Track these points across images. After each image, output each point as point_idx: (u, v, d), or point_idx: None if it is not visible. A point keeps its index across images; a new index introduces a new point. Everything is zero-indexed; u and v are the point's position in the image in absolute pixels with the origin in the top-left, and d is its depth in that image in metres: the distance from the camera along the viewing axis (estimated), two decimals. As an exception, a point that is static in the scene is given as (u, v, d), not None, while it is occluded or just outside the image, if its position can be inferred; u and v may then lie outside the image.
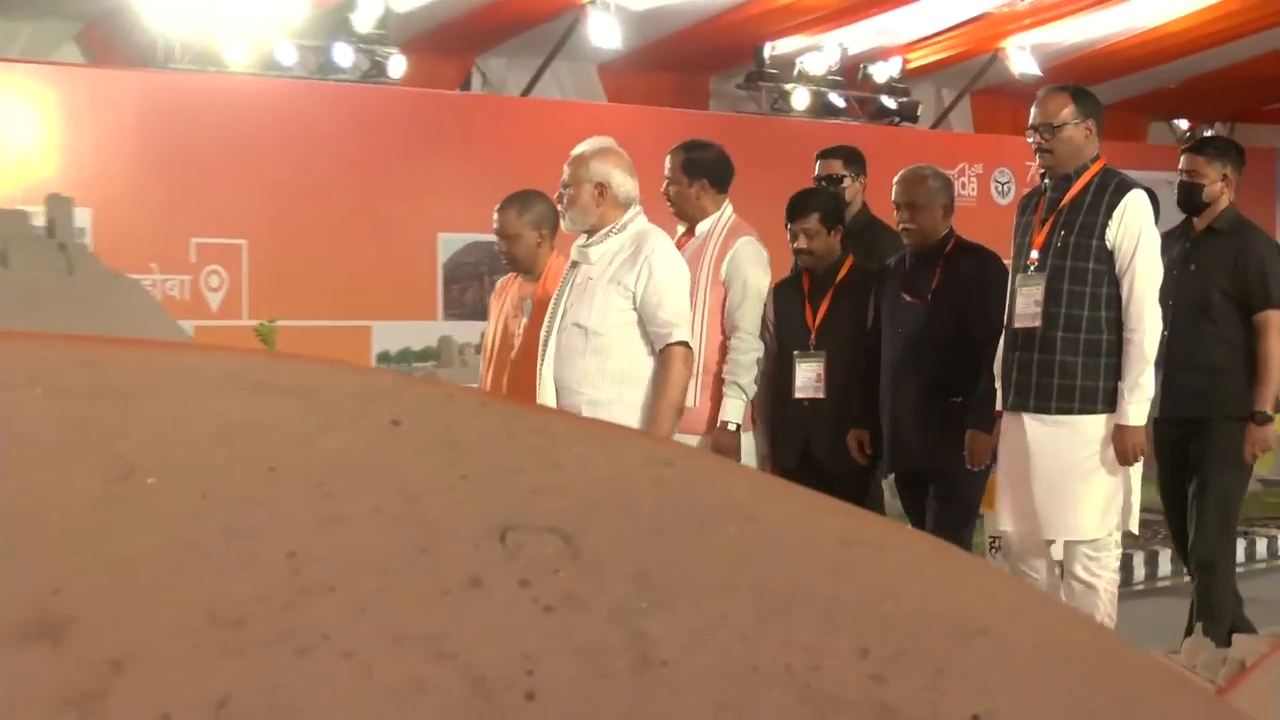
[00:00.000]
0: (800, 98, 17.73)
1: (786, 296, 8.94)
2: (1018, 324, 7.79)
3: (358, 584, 1.75)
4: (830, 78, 17.87)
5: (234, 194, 13.54)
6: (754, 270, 8.73)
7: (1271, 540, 12.02)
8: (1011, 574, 7.17)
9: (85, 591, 1.68)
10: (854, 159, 9.98)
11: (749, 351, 8.62)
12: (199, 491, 1.81)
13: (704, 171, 8.86)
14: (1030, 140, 7.87)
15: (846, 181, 9.76)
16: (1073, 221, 7.67)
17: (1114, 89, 20.06)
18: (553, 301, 8.10)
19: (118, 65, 15.01)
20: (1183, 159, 8.73)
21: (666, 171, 8.86)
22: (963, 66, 18.89)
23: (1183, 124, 21.58)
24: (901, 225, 8.64)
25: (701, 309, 8.54)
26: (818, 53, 17.76)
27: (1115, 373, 7.50)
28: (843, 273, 8.90)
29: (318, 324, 13.65)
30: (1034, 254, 7.78)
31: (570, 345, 7.87)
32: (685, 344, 7.88)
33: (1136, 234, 7.61)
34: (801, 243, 8.81)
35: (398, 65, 15.62)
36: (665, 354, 7.83)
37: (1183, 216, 8.79)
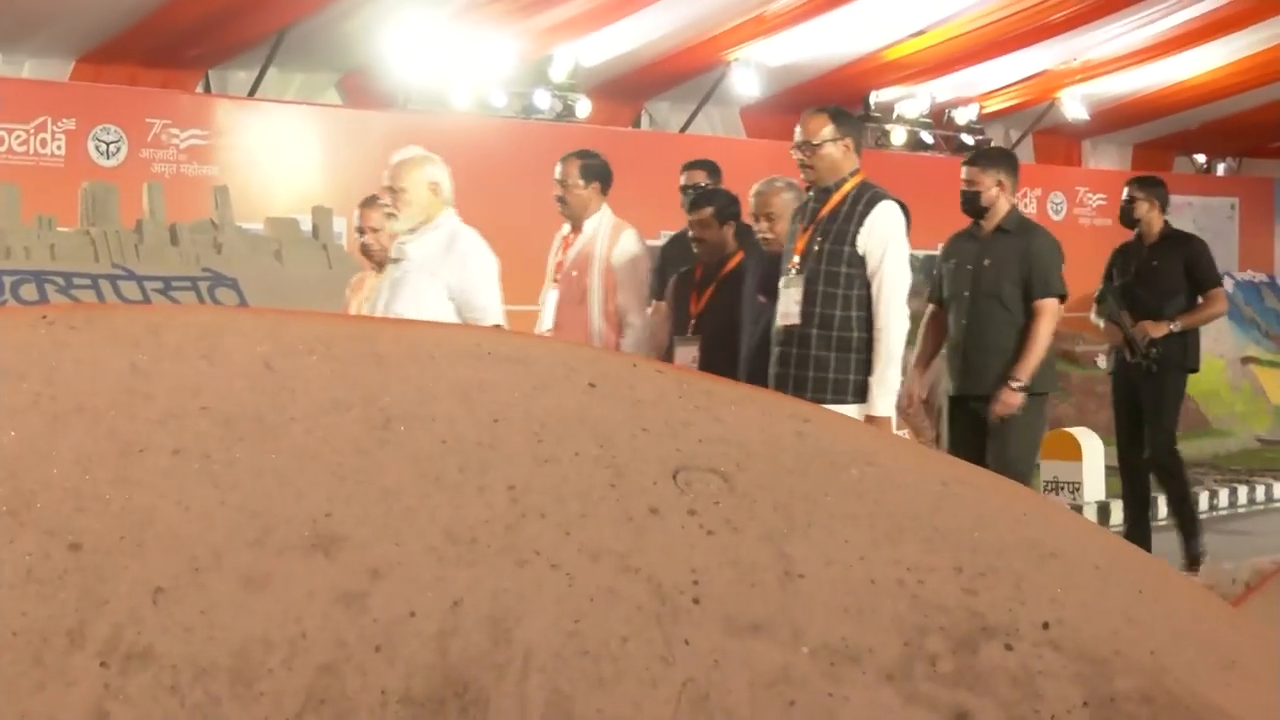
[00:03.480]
0: (898, 135, 17.56)
1: (681, 284, 8.22)
2: (780, 321, 7.09)
3: (563, 511, 1.75)
4: (922, 120, 17.67)
5: (459, 207, 13.57)
6: (642, 258, 8.15)
7: (1269, 487, 11.67)
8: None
9: (351, 514, 1.68)
10: (714, 171, 9.22)
11: (644, 329, 8.12)
12: (440, 438, 1.81)
13: (597, 175, 8.19)
14: (794, 156, 7.05)
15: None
16: (829, 229, 6.93)
17: (1145, 130, 19.78)
18: (371, 298, 7.34)
19: (368, 107, 15.08)
20: (962, 170, 7.83)
21: (559, 176, 8.14)
22: (1027, 112, 18.65)
23: (1200, 158, 21.20)
24: (760, 234, 7.68)
25: (598, 293, 7.98)
26: (912, 100, 17.57)
27: (865, 368, 6.86)
28: (729, 266, 8.04)
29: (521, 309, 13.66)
30: (795, 259, 7.05)
31: None
32: (499, 328, 7.11)
33: (885, 241, 6.88)
34: (695, 231, 8.02)
35: (584, 107, 15.58)
36: None
37: (970, 224, 7.95)
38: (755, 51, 15.87)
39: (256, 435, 1.76)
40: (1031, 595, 1.81)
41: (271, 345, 1.89)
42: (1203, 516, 10.50)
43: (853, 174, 6.98)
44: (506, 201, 12.59)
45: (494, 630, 1.56)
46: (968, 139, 17.84)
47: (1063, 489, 10.57)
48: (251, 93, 14.47)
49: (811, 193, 7.09)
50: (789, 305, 7.01)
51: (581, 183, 8.06)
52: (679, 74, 16.30)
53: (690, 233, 8.11)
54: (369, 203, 7.79)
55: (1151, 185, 9.60)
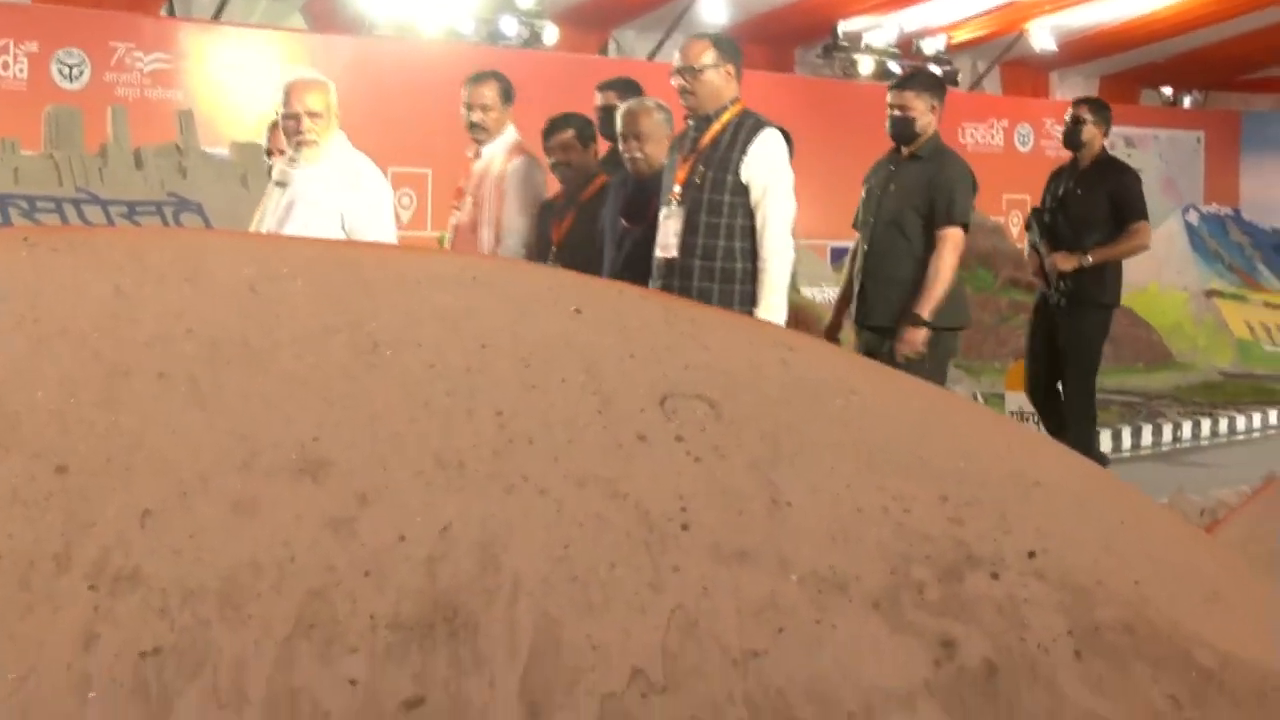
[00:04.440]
0: (866, 65, 17.58)
1: (542, 214, 7.74)
2: (659, 253, 6.72)
3: (551, 438, 1.74)
4: (890, 50, 17.68)
5: (422, 134, 13.47)
6: (532, 178, 7.63)
7: (1231, 420, 11.59)
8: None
9: (339, 439, 1.68)
10: (629, 88, 9.02)
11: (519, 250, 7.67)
12: (428, 363, 1.80)
13: (511, 97, 7.76)
14: (674, 83, 6.65)
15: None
16: (711, 158, 6.59)
17: (1113, 62, 19.80)
18: (259, 222, 6.87)
19: (334, 32, 14.97)
20: (891, 95, 7.33)
21: (478, 100, 7.55)
22: (995, 42, 18.66)
23: (1168, 91, 21.23)
24: (628, 155, 7.17)
25: (490, 218, 7.53)
26: (880, 30, 17.56)
27: (750, 299, 6.64)
28: (590, 190, 7.57)
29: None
30: (676, 189, 6.69)
31: None
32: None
33: (769, 169, 6.58)
34: (558, 155, 7.53)
35: (551, 34, 15.52)
36: None
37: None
38: (723, -22, 15.85)
39: (242, 359, 1.75)
40: (1016, 525, 1.81)
41: (256, 269, 1.87)
42: (1165, 449, 10.41)
43: (733, 102, 6.68)
44: (472, 128, 12.37)
45: (483, 556, 1.56)
46: (935, 69, 17.82)
47: (1028, 419, 10.57)
48: (216, 16, 14.36)
49: (691, 121, 6.75)
50: (668, 237, 6.68)
51: (499, 104, 7.82)
52: (646, 2, 16.24)
53: (550, 159, 7.62)
54: (278, 125, 7.56)
55: (1099, 108, 9.15)
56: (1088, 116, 8.76)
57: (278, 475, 1.61)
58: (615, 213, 7.28)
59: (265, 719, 1.39)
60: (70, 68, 13.11)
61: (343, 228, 6.52)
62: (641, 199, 7.18)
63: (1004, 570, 1.71)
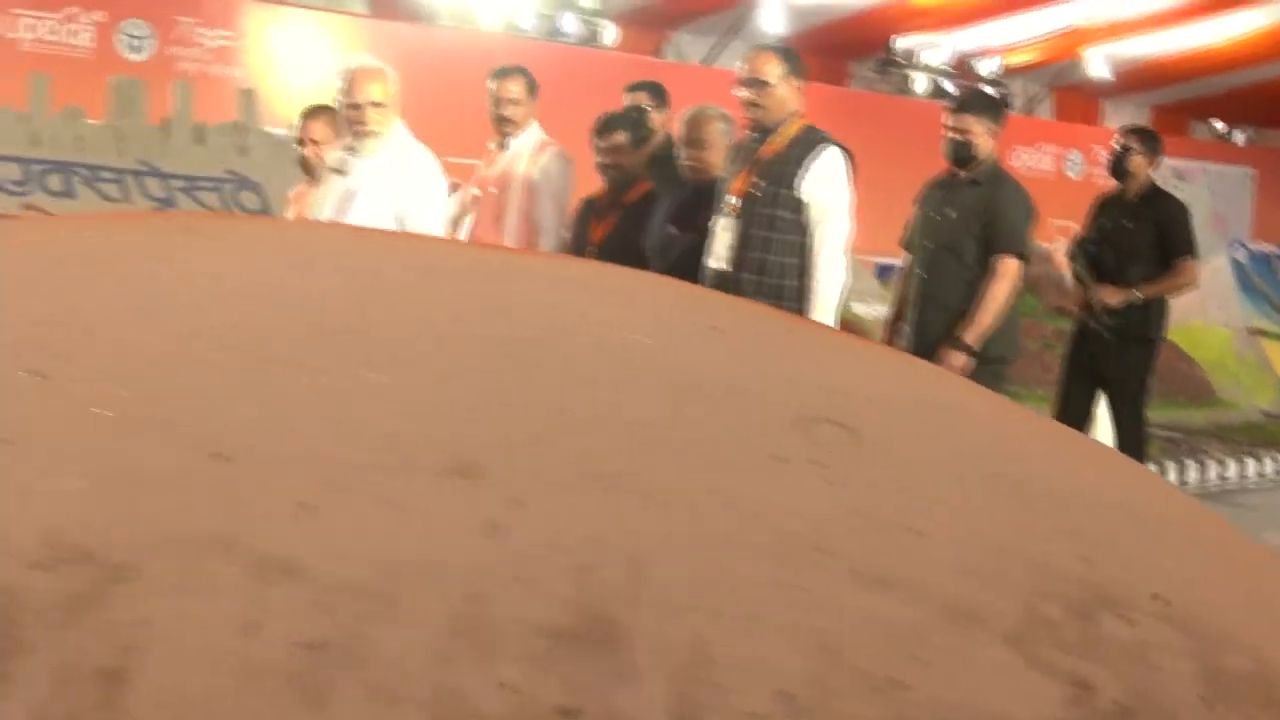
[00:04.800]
0: (920, 83, 17.62)
1: (582, 211, 7.96)
2: (711, 264, 6.79)
3: (694, 455, 1.76)
4: (944, 69, 17.71)
5: (478, 126, 13.50)
6: (564, 173, 7.91)
7: (1276, 460, 11.51)
8: None
9: (487, 444, 1.70)
10: (657, 92, 9.05)
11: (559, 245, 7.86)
12: (570, 372, 1.82)
13: (535, 91, 8.03)
14: (738, 94, 6.79)
15: (651, 112, 8.82)
16: (771, 172, 6.68)
17: (1166, 93, 19.79)
18: (310, 210, 7.07)
19: (395, 19, 15.03)
20: (950, 117, 7.42)
21: (505, 94, 7.88)
22: (1049, 68, 18.66)
23: (1219, 125, 21.18)
24: (685, 161, 7.39)
25: (516, 212, 7.79)
26: (936, 49, 17.58)
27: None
28: (634, 193, 7.77)
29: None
30: (732, 200, 6.77)
31: None
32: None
33: (829, 188, 6.64)
34: (608, 158, 7.72)
35: (610, 34, 15.57)
36: None
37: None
38: (783, -12, 15.89)
39: (391, 358, 1.77)
40: (1142, 565, 1.83)
41: (400, 268, 1.90)
42: (1211, 488, 10.38)
43: (796, 116, 6.80)
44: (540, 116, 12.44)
45: (632, 568, 1.58)
46: (989, 91, 17.84)
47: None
48: (281, -3, 14.44)
49: (753, 133, 6.87)
50: (721, 248, 6.78)
51: (527, 98, 7.94)
52: (705, 7, 16.32)
53: (600, 159, 7.76)
54: (313, 114, 7.67)
55: (1148, 138, 9.12)
56: (1135, 146, 8.76)
57: (429, 475, 1.63)
58: (664, 218, 7.44)
59: (422, 717, 1.41)
60: (135, 39, 13.21)
61: (395, 215, 6.70)
62: (694, 207, 7.26)
63: (1133, 612, 1.72)
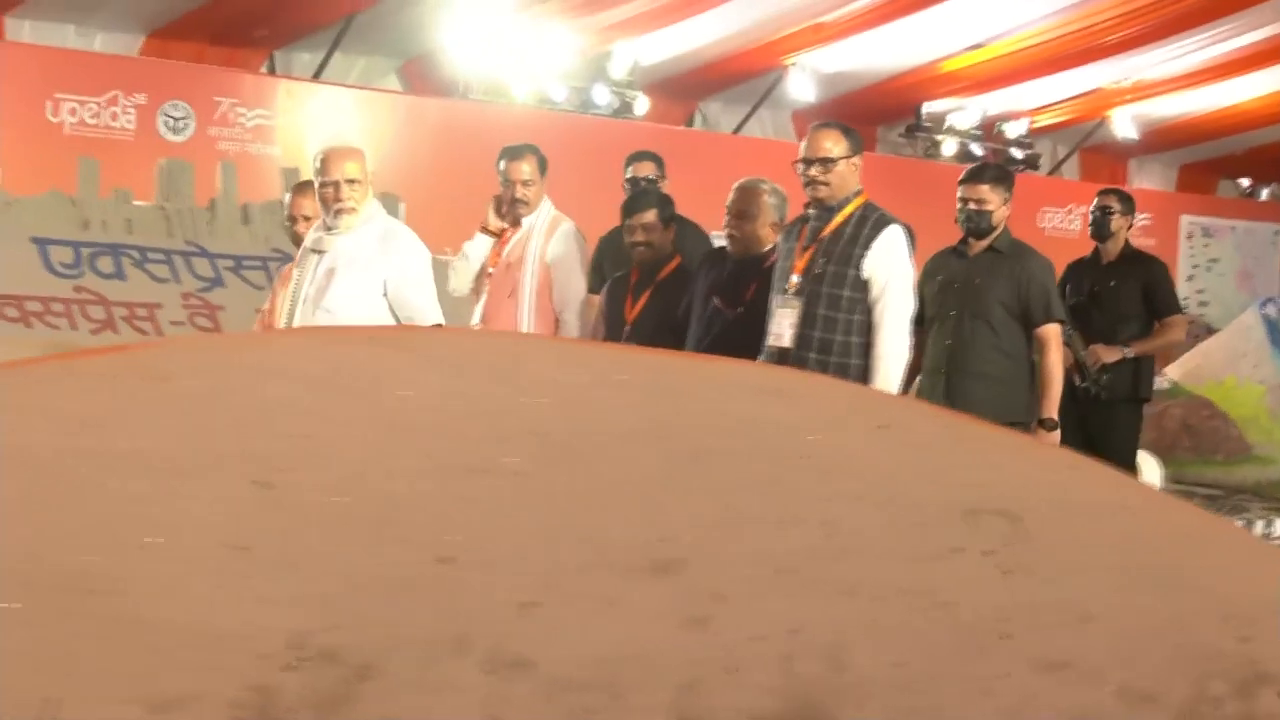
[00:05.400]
0: (948, 147, 17.73)
1: (615, 288, 7.89)
2: (772, 343, 6.77)
3: (875, 548, 1.87)
4: (972, 132, 17.83)
5: (512, 198, 13.66)
6: (580, 251, 7.92)
7: None
8: None
9: (682, 542, 1.81)
10: (659, 162, 9.07)
11: (580, 326, 7.87)
12: (747, 473, 1.93)
13: (546, 169, 8.02)
14: (801, 172, 6.79)
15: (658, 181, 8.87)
16: (833, 250, 6.67)
17: (1192, 152, 19.91)
18: (291, 291, 7.04)
19: (428, 94, 15.21)
20: (965, 189, 7.46)
21: (518, 176, 7.86)
22: (1076, 128, 18.79)
23: (1245, 182, 21.28)
24: (727, 231, 7.40)
25: (529, 288, 7.74)
26: (963, 112, 17.72)
27: None
28: (667, 270, 7.73)
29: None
30: (794, 278, 6.76)
31: None
32: (439, 326, 6.79)
33: (891, 267, 6.64)
34: (639, 236, 7.65)
35: (643, 105, 15.73)
36: None
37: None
38: (812, 58, 16.01)
39: (579, 461, 1.89)
40: (1292, 645, 1.93)
41: (580, 373, 2.02)
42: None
43: (856, 194, 6.78)
44: (563, 195, 12.67)
45: (830, 658, 1.69)
46: (1017, 153, 18.00)
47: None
48: (316, 75, 14.61)
49: (812, 210, 6.87)
50: (783, 327, 6.74)
51: (538, 177, 7.94)
52: (735, 75, 16.48)
53: (630, 237, 7.73)
54: (301, 189, 7.64)
55: (1125, 198, 9.22)
56: (1116, 206, 8.91)
57: (635, 574, 1.75)
58: (705, 291, 7.40)
59: (653, 802, 1.52)
60: (176, 120, 13.38)
61: (384, 293, 6.78)
62: (740, 281, 7.25)
63: (1290, 688, 1.83)
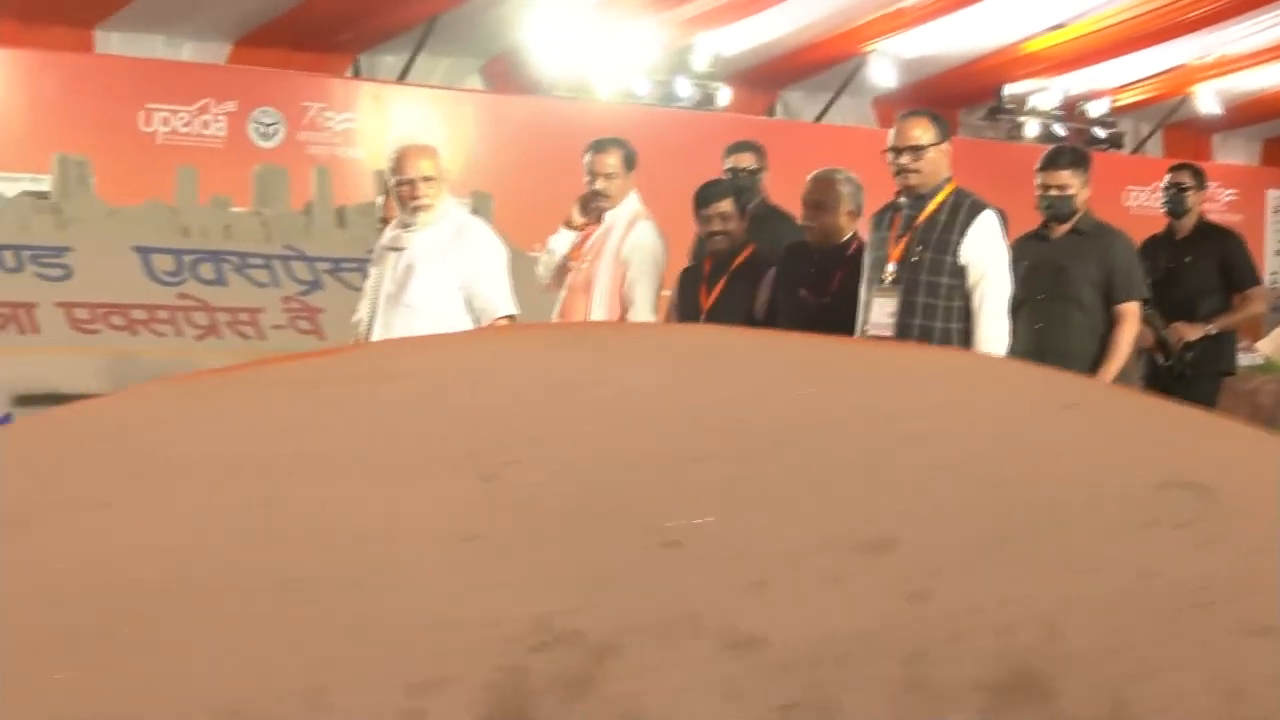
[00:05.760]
0: (1031, 128, 17.71)
1: (687, 279, 7.95)
2: (871, 332, 6.75)
3: (1077, 521, 1.95)
4: (1054, 113, 17.80)
5: (598, 193, 13.77)
6: (657, 247, 7.87)
7: None
8: None
9: (893, 521, 1.89)
10: (759, 152, 9.06)
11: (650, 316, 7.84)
12: (952, 452, 2.00)
13: (633, 164, 7.97)
14: (892, 160, 6.84)
15: (757, 172, 8.92)
16: (928, 238, 6.70)
17: (1276, 126, 19.79)
18: (372, 285, 7.27)
19: (511, 92, 15.33)
20: (1045, 175, 7.48)
21: (601, 168, 7.88)
22: (1159, 105, 18.71)
23: (1329, 153, 21.16)
24: (805, 223, 7.46)
25: (605, 282, 7.76)
26: (1046, 93, 17.68)
27: None
28: (741, 258, 7.75)
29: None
30: (890, 267, 6.78)
31: (398, 325, 6.95)
32: (511, 317, 7.06)
33: (988, 252, 6.69)
34: (716, 225, 7.69)
35: (725, 96, 15.80)
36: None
37: None
38: (893, 43, 16.03)
39: (788, 448, 1.97)
40: None
41: (777, 364, 2.10)
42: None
43: (947, 180, 6.83)
44: (646, 189, 12.70)
45: (1046, 627, 1.77)
46: (1100, 132, 17.96)
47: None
48: (401, 77, 14.76)
49: (904, 199, 6.87)
50: (882, 317, 6.76)
51: (623, 171, 7.94)
52: (815, 64, 16.51)
53: (707, 227, 7.77)
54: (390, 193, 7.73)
55: (1199, 173, 9.11)
56: (1189, 182, 8.83)
57: (852, 553, 1.83)
58: (793, 282, 7.43)
59: (892, 768, 1.60)
60: (266, 126, 13.55)
61: (460, 286, 6.91)
62: (826, 270, 7.29)
63: None
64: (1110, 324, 7.42)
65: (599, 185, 7.89)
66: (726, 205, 7.74)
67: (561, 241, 8.06)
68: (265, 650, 1.71)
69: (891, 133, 6.91)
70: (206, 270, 10.34)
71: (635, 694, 1.69)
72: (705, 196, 7.84)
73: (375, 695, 1.67)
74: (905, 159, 6.79)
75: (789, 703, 1.67)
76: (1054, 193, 7.40)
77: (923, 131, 6.80)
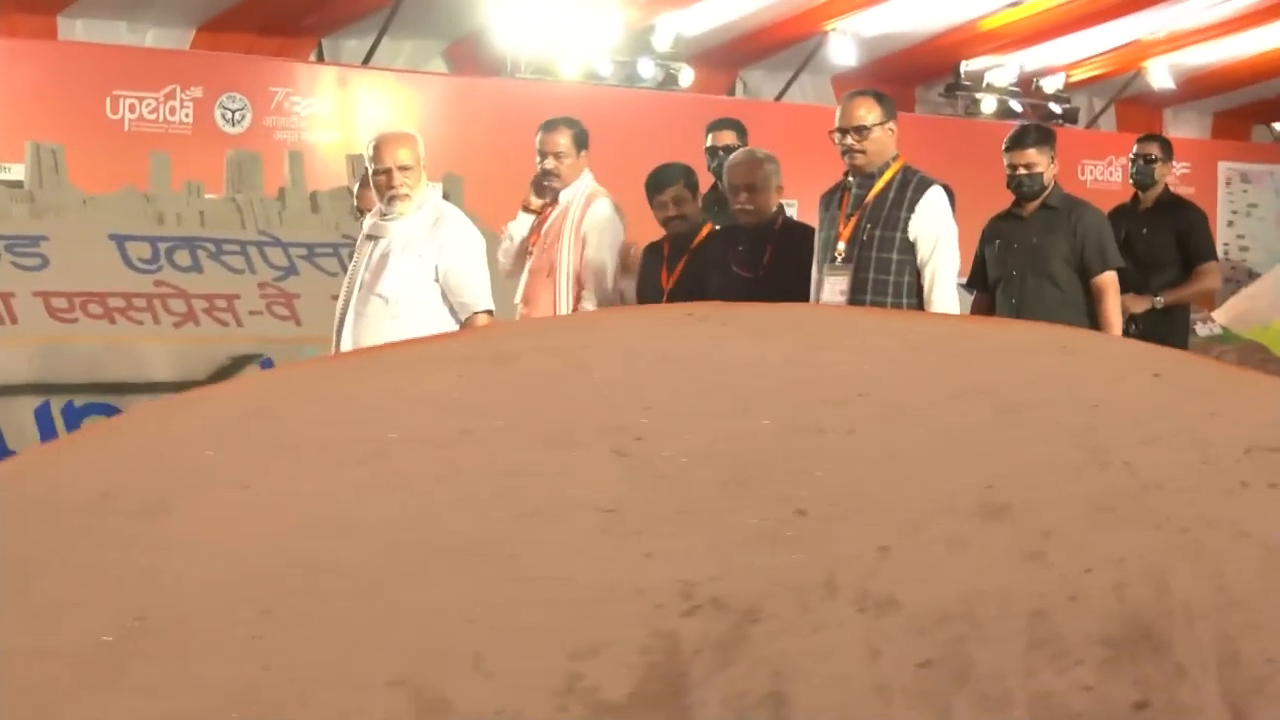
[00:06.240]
0: (988, 104, 17.83)
1: (648, 260, 7.95)
2: None
3: (1173, 484, 2.06)
4: (1010, 89, 17.93)
5: (563, 174, 13.83)
6: (615, 223, 7.84)
7: None
8: None
9: (1007, 487, 1.99)
10: (740, 129, 9.08)
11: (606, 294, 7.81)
12: (1053, 422, 2.11)
13: (585, 143, 7.94)
14: (838, 141, 6.85)
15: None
16: (877, 216, 6.76)
17: (1227, 99, 19.98)
18: (348, 276, 7.21)
19: (476, 74, 15.37)
20: (1012, 155, 7.49)
21: (551, 147, 7.82)
22: (1112, 81, 18.87)
23: (1278, 126, 21.34)
24: (738, 206, 7.44)
25: (567, 265, 7.76)
26: (1002, 69, 17.81)
27: None
28: (700, 237, 7.79)
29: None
30: (840, 246, 6.85)
31: (371, 314, 6.91)
32: (489, 312, 7.02)
33: (937, 227, 6.73)
34: (672, 210, 7.70)
35: (687, 76, 15.87)
36: (470, 323, 6.98)
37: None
38: (852, 22, 16.10)
39: (905, 418, 2.08)
40: None
41: (886, 338, 2.21)
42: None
43: (894, 159, 6.85)
44: (611, 169, 12.75)
45: (1155, 584, 1.88)
46: (1055, 107, 18.12)
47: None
48: (366, 60, 14.77)
49: (853, 179, 6.88)
50: (833, 294, 6.80)
51: (573, 150, 7.89)
52: (776, 43, 16.58)
53: (663, 212, 7.78)
54: (368, 182, 7.57)
55: (1166, 145, 9.11)
56: (1157, 153, 8.87)
57: (971, 517, 1.93)
58: (726, 263, 7.45)
59: (1025, 718, 1.71)
60: (233, 112, 13.54)
61: (436, 278, 6.87)
62: (758, 249, 7.37)
63: None
64: (1084, 297, 7.47)
65: (549, 164, 7.84)
66: (679, 188, 7.74)
67: (520, 226, 8.06)
68: (428, 621, 1.79)
69: (838, 113, 6.93)
70: (182, 257, 10.34)
71: (782, 654, 1.79)
72: (657, 182, 7.85)
73: (538, 660, 1.76)
74: (851, 139, 6.79)
75: (925, 660, 1.77)
76: (1022, 172, 7.44)
77: (868, 111, 6.81)
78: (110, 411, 9.20)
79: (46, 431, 8.96)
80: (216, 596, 1.81)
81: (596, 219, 7.77)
